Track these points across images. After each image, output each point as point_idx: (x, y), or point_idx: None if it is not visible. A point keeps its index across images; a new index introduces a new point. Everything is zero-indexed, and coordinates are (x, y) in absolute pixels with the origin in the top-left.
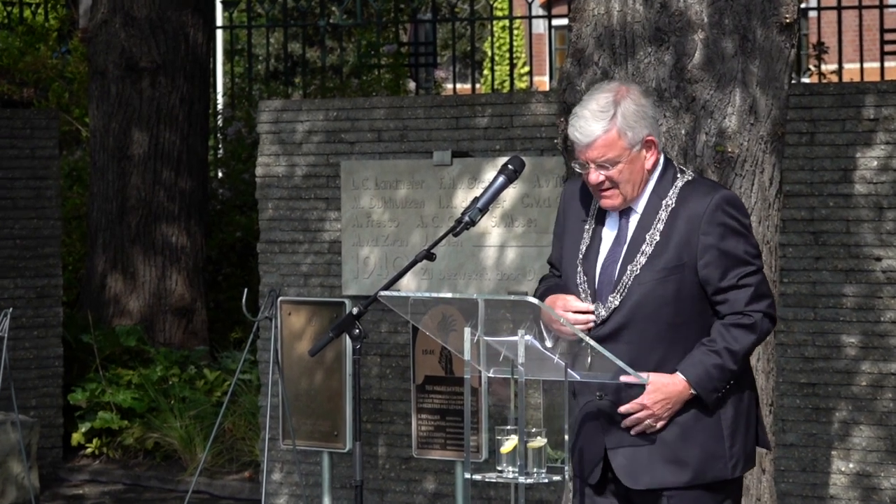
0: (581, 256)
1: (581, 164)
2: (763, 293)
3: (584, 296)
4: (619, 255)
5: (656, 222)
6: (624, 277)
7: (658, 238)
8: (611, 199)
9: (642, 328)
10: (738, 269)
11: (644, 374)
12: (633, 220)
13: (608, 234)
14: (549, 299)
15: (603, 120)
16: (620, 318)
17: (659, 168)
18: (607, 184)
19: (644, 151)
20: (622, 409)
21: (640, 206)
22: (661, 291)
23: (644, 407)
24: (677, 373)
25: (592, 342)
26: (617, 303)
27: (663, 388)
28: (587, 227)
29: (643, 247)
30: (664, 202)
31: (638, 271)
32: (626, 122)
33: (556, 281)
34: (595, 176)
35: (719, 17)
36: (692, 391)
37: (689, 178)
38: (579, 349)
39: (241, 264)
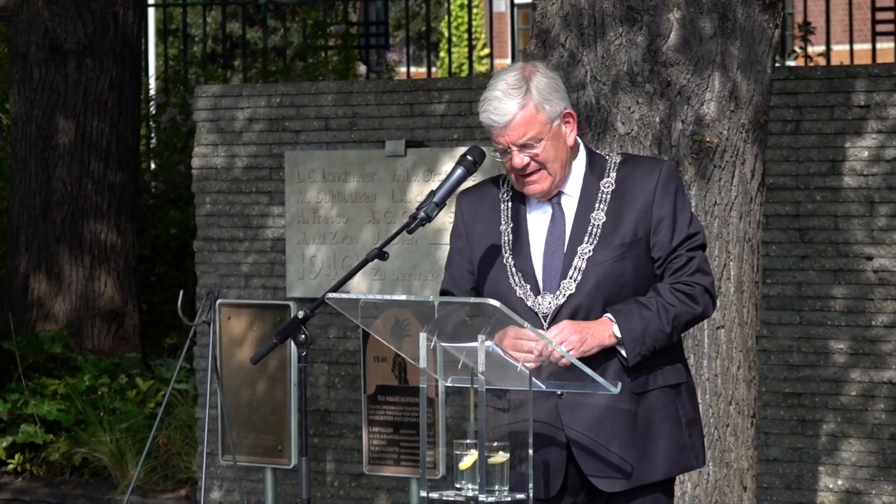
0: (509, 255)
1: (502, 149)
2: (707, 271)
3: (519, 292)
4: (562, 240)
5: (598, 203)
6: (575, 260)
7: (604, 219)
8: (539, 184)
9: (601, 313)
10: (688, 241)
11: (616, 384)
12: (569, 203)
13: (536, 225)
14: (497, 335)
15: (517, 97)
16: (578, 304)
17: (582, 150)
18: (533, 166)
19: (564, 126)
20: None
21: (573, 188)
22: (620, 270)
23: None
24: (605, 316)
25: (567, 353)
26: (573, 288)
27: (580, 323)
28: (504, 228)
29: (589, 228)
30: (601, 183)
31: (591, 252)
32: (541, 95)
33: None
34: (519, 159)
35: None
36: (616, 337)
37: (619, 157)
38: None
39: (177, 264)
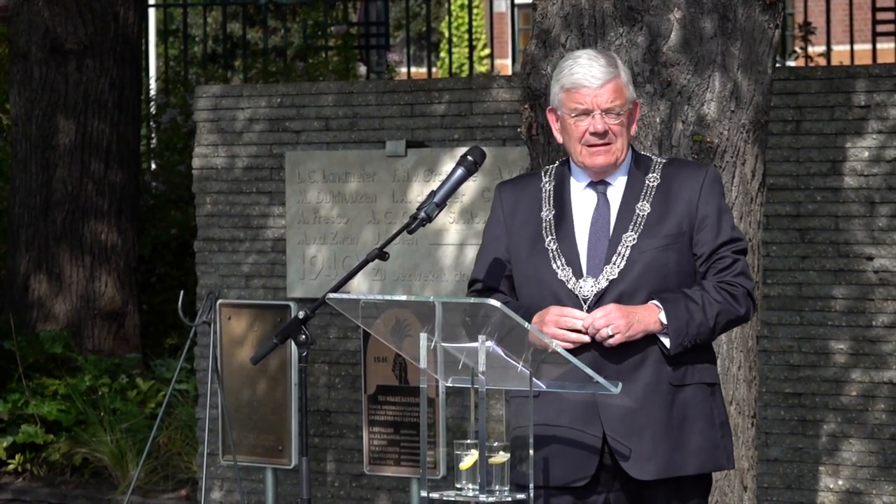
0: (551, 239)
1: (583, 110)
2: (749, 275)
3: (561, 274)
4: (607, 226)
5: (643, 195)
6: (619, 247)
7: (649, 210)
8: (605, 156)
9: (643, 301)
10: (733, 243)
11: (617, 384)
12: (614, 193)
13: (580, 211)
14: (539, 313)
15: (610, 66)
16: (622, 290)
17: (629, 149)
18: (609, 136)
19: (631, 115)
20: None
21: (618, 179)
22: (664, 260)
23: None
24: (651, 303)
25: (572, 358)
26: (616, 274)
27: (626, 307)
28: (545, 214)
29: (634, 217)
30: (647, 178)
31: (635, 240)
32: (626, 74)
33: (510, 301)
34: (602, 124)
35: None
36: (662, 323)
37: (664, 159)
38: (549, 357)
39: (177, 264)
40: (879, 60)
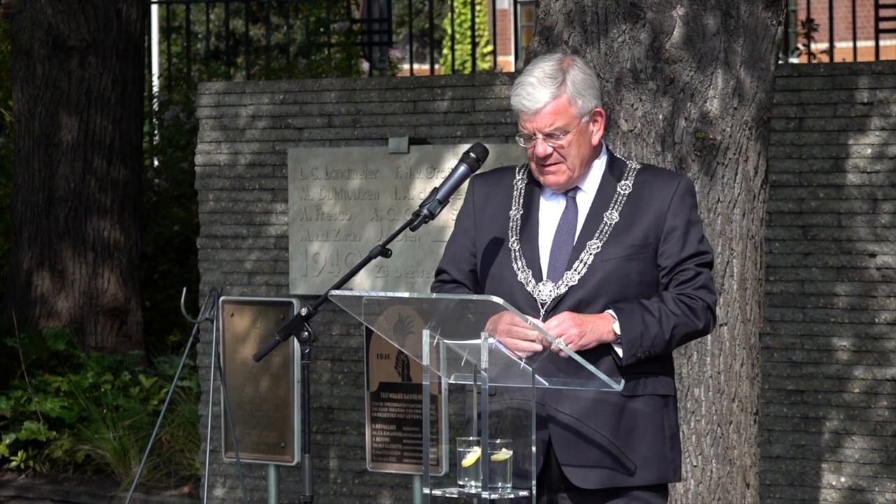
0: (515, 240)
1: (526, 135)
2: (712, 289)
3: (521, 276)
4: (573, 232)
5: (613, 203)
6: (582, 254)
7: (617, 219)
8: (556, 176)
9: (602, 310)
10: (697, 257)
11: (619, 381)
12: (584, 199)
13: (547, 214)
14: (492, 318)
15: (552, 86)
16: (581, 297)
17: (604, 152)
18: (555, 157)
19: (591, 125)
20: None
21: (590, 185)
22: (626, 270)
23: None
24: (607, 312)
25: (581, 360)
26: (576, 280)
27: (580, 315)
28: (513, 213)
29: (601, 226)
30: (619, 185)
31: (599, 248)
32: (575, 89)
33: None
34: (543, 148)
35: None
36: (615, 333)
37: (638, 165)
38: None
39: (180, 261)
40: (882, 57)
